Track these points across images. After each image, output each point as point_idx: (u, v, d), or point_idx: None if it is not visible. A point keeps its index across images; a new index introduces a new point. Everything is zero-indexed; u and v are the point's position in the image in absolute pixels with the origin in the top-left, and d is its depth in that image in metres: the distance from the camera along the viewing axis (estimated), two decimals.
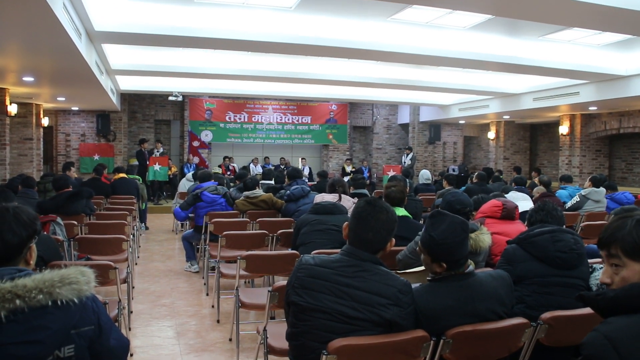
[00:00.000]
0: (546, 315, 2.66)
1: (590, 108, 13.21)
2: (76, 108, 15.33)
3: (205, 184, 7.41)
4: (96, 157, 15.42)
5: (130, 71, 11.22)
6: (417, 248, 2.64)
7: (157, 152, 14.91)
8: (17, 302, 1.73)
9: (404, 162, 17.42)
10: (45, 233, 4.66)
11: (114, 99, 13.21)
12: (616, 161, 15.29)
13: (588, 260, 3.18)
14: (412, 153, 17.83)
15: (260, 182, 8.70)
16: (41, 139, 13.42)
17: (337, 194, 5.76)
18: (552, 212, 3.28)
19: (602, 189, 8.16)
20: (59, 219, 5.27)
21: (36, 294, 1.76)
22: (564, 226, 3.30)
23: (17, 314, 1.73)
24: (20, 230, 1.97)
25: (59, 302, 1.80)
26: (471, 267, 2.51)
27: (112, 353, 2.02)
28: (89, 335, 1.90)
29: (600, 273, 3.01)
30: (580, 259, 3.00)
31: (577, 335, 1.56)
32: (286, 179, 8.13)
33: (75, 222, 5.93)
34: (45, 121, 13.92)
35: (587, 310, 2.63)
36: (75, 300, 1.84)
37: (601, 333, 1.46)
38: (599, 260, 3.41)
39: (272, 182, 9.17)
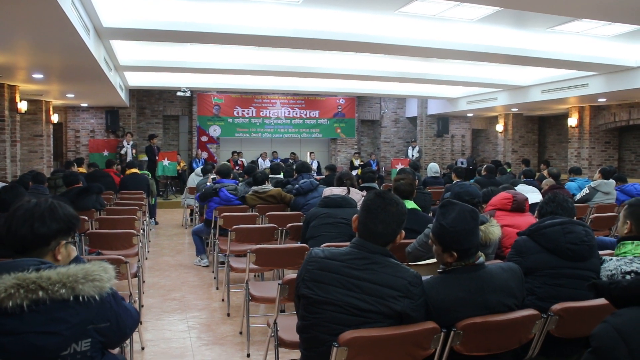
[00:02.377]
0: (556, 306, 2.66)
1: (599, 100, 13.12)
2: (85, 104, 15.41)
3: (227, 181, 7.38)
4: (105, 153, 15.49)
5: (138, 67, 11.25)
6: (429, 240, 2.64)
7: (127, 145, 14.70)
8: (40, 293, 1.76)
9: (412, 156, 17.40)
10: None
11: (123, 95, 13.27)
12: (625, 153, 15.20)
13: (599, 252, 3.18)
14: (417, 146, 17.81)
15: (269, 176, 8.71)
16: (51, 136, 13.51)
17: (346, 187, 5.77)
18: (563, 204, 3.27)
19: (612, 181, 8.13)
20: None
21: (59, 287, 1.79)
22: (575, 218, 3.30)
23: (39, 304, 1.77)
24: (51, 223, 2.02)
25: (80, 298, 1.83)
26: (482, 258, 2.52)
27: (125, 337, 2.10)
28: (105, 331, 1.93)
29: (610, 264, 3.01)
30: (591, 251, 3.00)
31: (587, 326, 1.57)
32: (295, 173, 8.14)
33: (86, 218, 5.98)
34: (54, 118, 14.01)
35: (598, 301, 2.64)
36: (97, 297, 1.87)
37: (611, 325, 1.46)
38: (610, 252, 3.41)
39: (281, 176, 9.18)
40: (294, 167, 8.44)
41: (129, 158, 13.93)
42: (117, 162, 12.76)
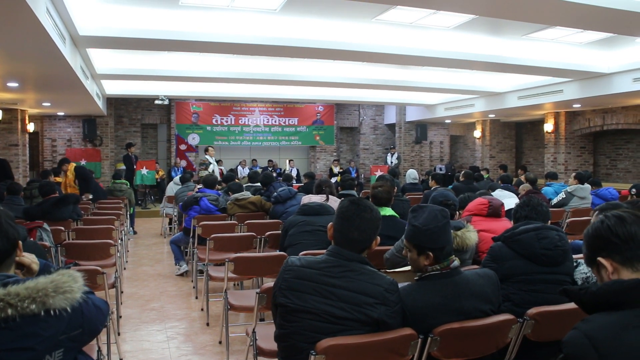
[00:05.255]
0: (532, 311, 2.69)
1: (574, 105, 13.32)
2: (62, 113, 15.23)
3: (209, 191, 7.38)
4: (83, 162, 15.32)
5: (115, 75, 11.16)
6: (404, 250, 2.67)
7: (212, 160, 12.99)
8: (9, 311, 1.71)
9: (390, 162, 17.48)
10: (32, 239, 4.63)
11: (100, 103, 13.14)
12: (600, 158, 15.44)
13: (573, 256, 3.22)
14: (397, 152, 17.92)
15: (247, 184, 8.70)
16: (27, 145, 13.32)
17: (325, 195, 5.78)
18: (537, 208, 3.31)
19: (587, 186, 8.25)
20: (45, 225, 5.25)
21: (29, 303, 1.74)
22: (549, 222, 3.34)
23: (8, 321, 1.71)
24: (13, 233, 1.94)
25: (51, 312, 1.78)
26: (456, 262, 2.54)
27: (97, 334, 2.06)
28: (77, 337, 1.90)
29: (585, 267, 3.05)
30: (565, 255, 3.03)
31: (563, 330, 1.58)
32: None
33: (63, 228, 5.91)
34: (30, 127, 13.82)
35: (573, 305, 2.66)
36: (68, 309, 1.83)
37: (581, 332, 1.47)
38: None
39: (259, 184, 9.16)
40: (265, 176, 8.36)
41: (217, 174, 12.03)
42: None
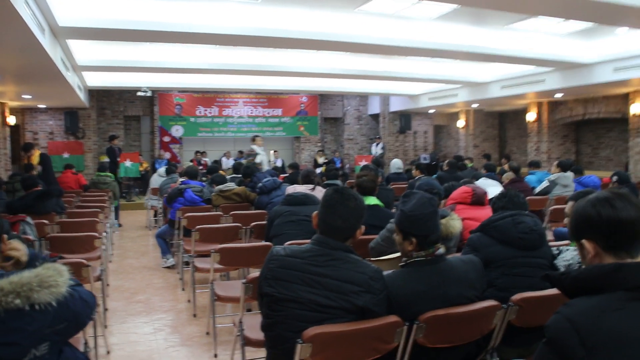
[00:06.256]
0: (516, 297, 2.72)
1: (556, 95, 13.44)
2: (43, 106, 15.04)
3: (193, 183, 7.36)
4: (65, 155, 15.19)
5: (97, 67, 11.05)
6: (393, 234, 2.70)
7: (261, 149, 12.07)
8: None
9: (375, 152, 17.52)
10: (15, 233, 4.59)
11: (82, 95, 13.01)
12: (582, 146, 15.61)
13: (556, 243, 3.26)
14: (381, 142, 17.96)
15: (232, 176, 8.68)
16: (8, 138, 13.15)
17: (313, 185, 5.79)
18: (514, 199, 3.36)
19: (570, 174, 8.34)
20: (28, 219, 5.21)
21: (13, 298, 1.73)
22: (527, 212, 3.38)
23: None
24: None
25: (36, 306, 1.77)
26: (441, 249, 2.57)
27: (84, 327, 2.07)
28: (63, 331, 1.89)
29: (567, 254, 3.10)
30: (541, 239, 3.09)
31: (547, 315, 1.60)
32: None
33: (46, 222, 5.86)
34: (11, 120, 13.62)
35: (556, 290, 2.70)
36: (53, 303, 1.82)
37: (563, 316, 1.50)
38: (566, 242, 3.51)
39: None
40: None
41: (265, 167, 11.41)
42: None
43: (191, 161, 15.71)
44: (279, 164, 15.89)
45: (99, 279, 4.79)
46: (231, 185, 7.23)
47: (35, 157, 10.61)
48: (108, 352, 4.43)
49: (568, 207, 3.33)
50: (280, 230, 4.73)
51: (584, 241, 1.63)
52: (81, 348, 3.03)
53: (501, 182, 7.68)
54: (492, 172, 8.78)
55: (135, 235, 10.29)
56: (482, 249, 3.06)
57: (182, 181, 7.72)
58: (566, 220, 3.35)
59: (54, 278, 1.84)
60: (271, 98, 18.15)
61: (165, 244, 7.47)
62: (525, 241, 3.03)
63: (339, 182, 6.75)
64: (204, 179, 9.10)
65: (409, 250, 2.55)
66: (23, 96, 12.28)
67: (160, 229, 7.71)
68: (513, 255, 3.02)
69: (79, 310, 1.96)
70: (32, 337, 1.78)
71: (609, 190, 1.69)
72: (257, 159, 11.69)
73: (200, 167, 14.53)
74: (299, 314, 2.30)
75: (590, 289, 1.54)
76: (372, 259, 3.24)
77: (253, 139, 12.28)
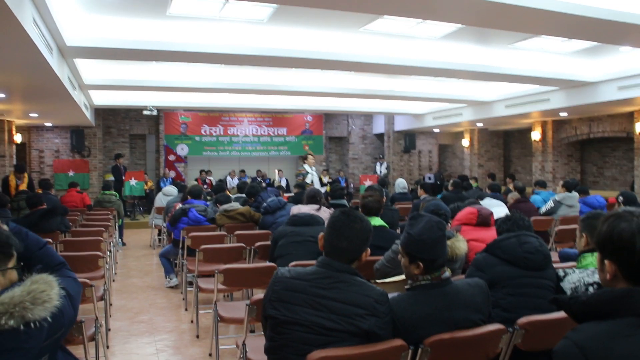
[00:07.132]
0: (522, 320, 2.70)
1: (560, 114, 13.42)
2: (49, 124, 15.14)
3: (197, 202, 7.35)
4: (71, 173, 15.25)
5: (103, 86, 11.12)
6: (398, 255, 2.68)
7: (312, 169, 11.84)
8: None
9: (380, 172, 17.52)
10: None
11: (88, 114, 13.09)
12: (587, 165, 15.55)
13: (561, 264, 3.24)
14: (385, 162, 17.96)
15: (236, 195, 8.67)
16: (14, 156, 13.23)
17: (318, 205, 5.76)
18: (519, 222, 3.34)
19: (575, 194, 8.30)
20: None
21: (7, 319, 1.68)
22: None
23: None
24: None
25: (32, 324, 1.74)
26: (447, 273, 2.55)
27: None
28: (60, 336, 1.86)
29: (573, 277, 3.07)
30: (546, 260, 3.08)
31: (553, 339, 1.58)
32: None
33: (51, 240, 5.85)
34: (18, 138, 13.72)
35: (562, 314, 2.67)
36: (49, 318, 1.79)
37: (572, 341, 1.47)
38: (572, 264, 3.47)
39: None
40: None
41: (317, 185, 11.33)
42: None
43: (196, 180, 15.72)
44: (283, 183, 15.91)
45: (102, 298, 4.77)
46: (235, 205, 7.22)
47: (24, 184, 10.79)
48: None
49: (579, 225, 3.31)
50: (284, 250, 4.70)
51: (607, 261, 1.59)
52: None
53: (506, 202, 7.65)
54: (497, 192, 8.76)
55: (139, 254, 10.27)
56: (487, 269, 3.04)
57: (185, 201, 7.72)
58: (577, 240, 3.33)
59: (47, 293, 1.79)
60: (276, 117, 18.21)
61: (169, 263, 7.45)
62: (530, 261, 3.01)
63: (344, 201, 6.73)
64: (208, 197, 9.10)
65: (415, 274, 2.53)
66: (30, 114, 12.38)
67: (164, 249, 7.70)
68: (518, 275, 3.00)
69: (71, 313, 1.93)
70: (29, 354, 1.74)
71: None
72: (308, 179, 11.52)
73: (205, 186, 14.57)
74: (304, 337, 2.28)
75: (600, 313, 1.51)
76: (377, 280, 3.21)
77: (305, 158, 12.08)
